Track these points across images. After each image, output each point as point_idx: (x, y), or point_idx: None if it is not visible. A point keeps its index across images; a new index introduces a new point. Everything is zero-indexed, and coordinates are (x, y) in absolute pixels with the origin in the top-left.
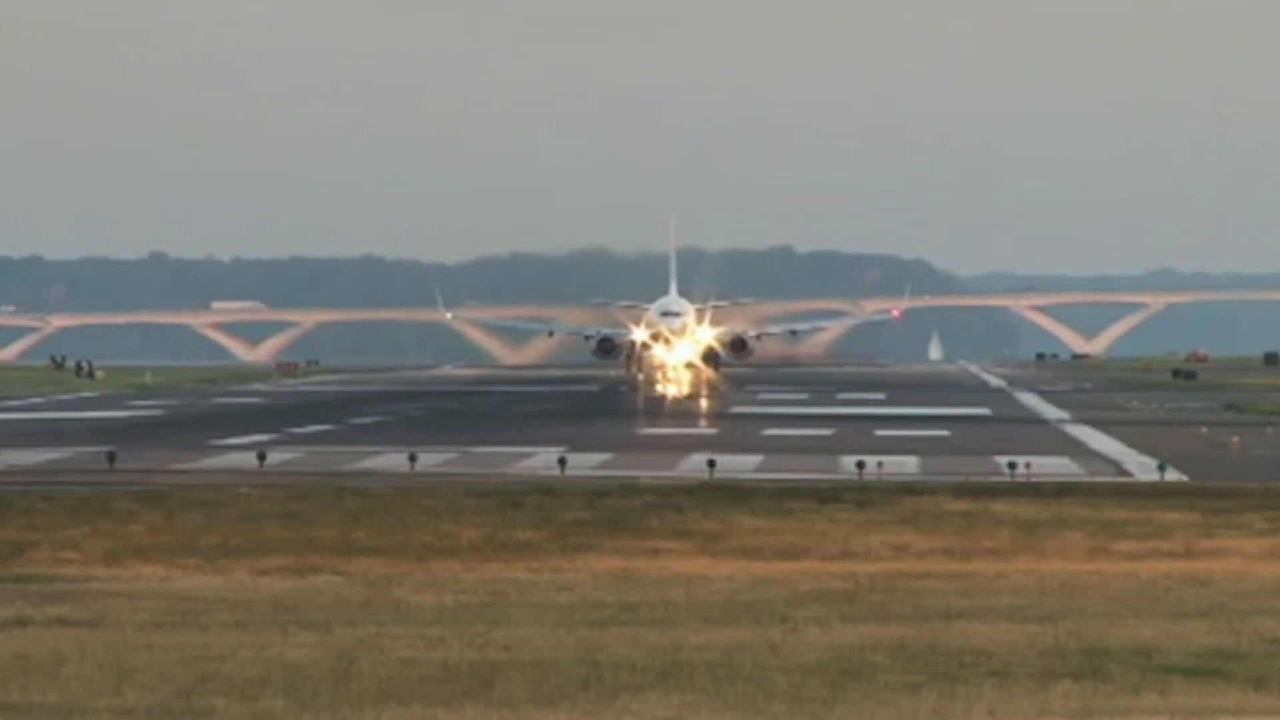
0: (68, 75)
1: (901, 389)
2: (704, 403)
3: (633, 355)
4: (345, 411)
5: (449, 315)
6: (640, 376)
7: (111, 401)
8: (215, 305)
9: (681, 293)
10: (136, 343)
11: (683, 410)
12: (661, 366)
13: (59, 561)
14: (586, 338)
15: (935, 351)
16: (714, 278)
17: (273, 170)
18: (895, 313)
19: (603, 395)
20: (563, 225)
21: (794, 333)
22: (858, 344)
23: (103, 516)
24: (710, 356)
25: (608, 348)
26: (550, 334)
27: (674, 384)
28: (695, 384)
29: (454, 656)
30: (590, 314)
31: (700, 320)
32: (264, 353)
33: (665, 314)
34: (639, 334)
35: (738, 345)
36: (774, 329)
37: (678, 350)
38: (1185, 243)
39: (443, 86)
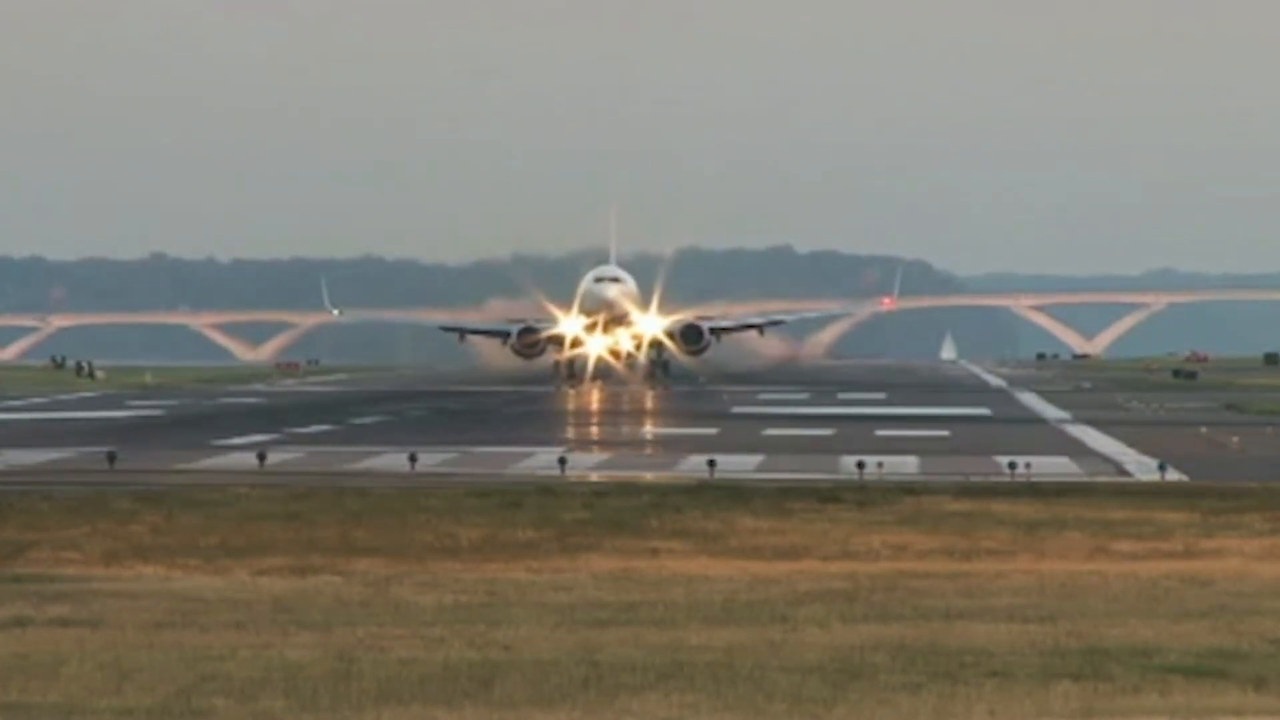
0: (68, 75)
1: (902, 389)
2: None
3: (563, 347)
4: (345, 411)
5: (336, 313)
6: (572, 379)
7: (112, 401)
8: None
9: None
10: (136, 343)
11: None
12: (600, 361)
13: (59, 561)
14: (505, 337)
15: (948, 351)
16: (665, 277)
17: (273, 170)
18: (887, 301)
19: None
20: (563, 225)
21: (761, 330)
22: (859, 344)
23: (103, 516)
24: (657, 361)
25: (530, 341)
26: (462, 338)
27: (601, 389)
28: (635, 391)
29: (454, 656)
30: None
31: (645, 308)
32: (264, 353)
33: (600, 279)
34: (570, 324)
35: (691, 335)
36: (752, 320)
37: (618, 339)
38: (1185, 243)
39: (443, 87)
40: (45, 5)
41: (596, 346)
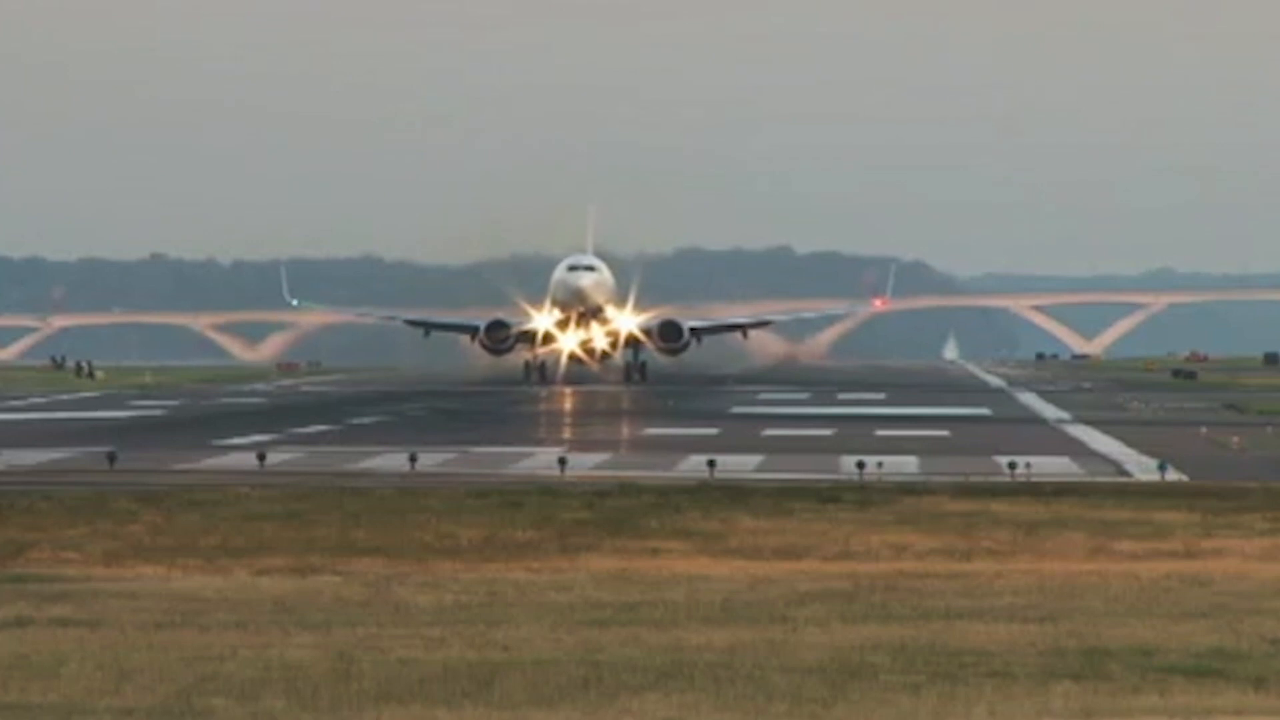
0: (68, 76)
1: (902, 389)
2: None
3: (534, 344)
4: (345, 411)
5: (295, 302)
6: (543, 380)
7: (112, 401)
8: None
9: (648, 294)
10: (137, 343)
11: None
12: (572, 358)
13: (59, 561)
14: (473, 332)
15: (951, 351)
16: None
17: (273, 171)
18: (879, 302)
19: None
20: (562, 226)
21: (744, 331)
22: (860, 344)
23: (103, 516)
24: (634, 362)
25: (501, 337)
26: (427, 333)
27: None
28: (626, 391)
29: (454, 656)
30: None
31: (622, 304)
32: (264, 353)
33: (573, 268)
34: (542, 320)
35: (669, 332)
36: (735, 320)
37: (592, 335)
38: (1185, 243)
39: (442, 88)
40: (44, 5)
41: (569, 343)
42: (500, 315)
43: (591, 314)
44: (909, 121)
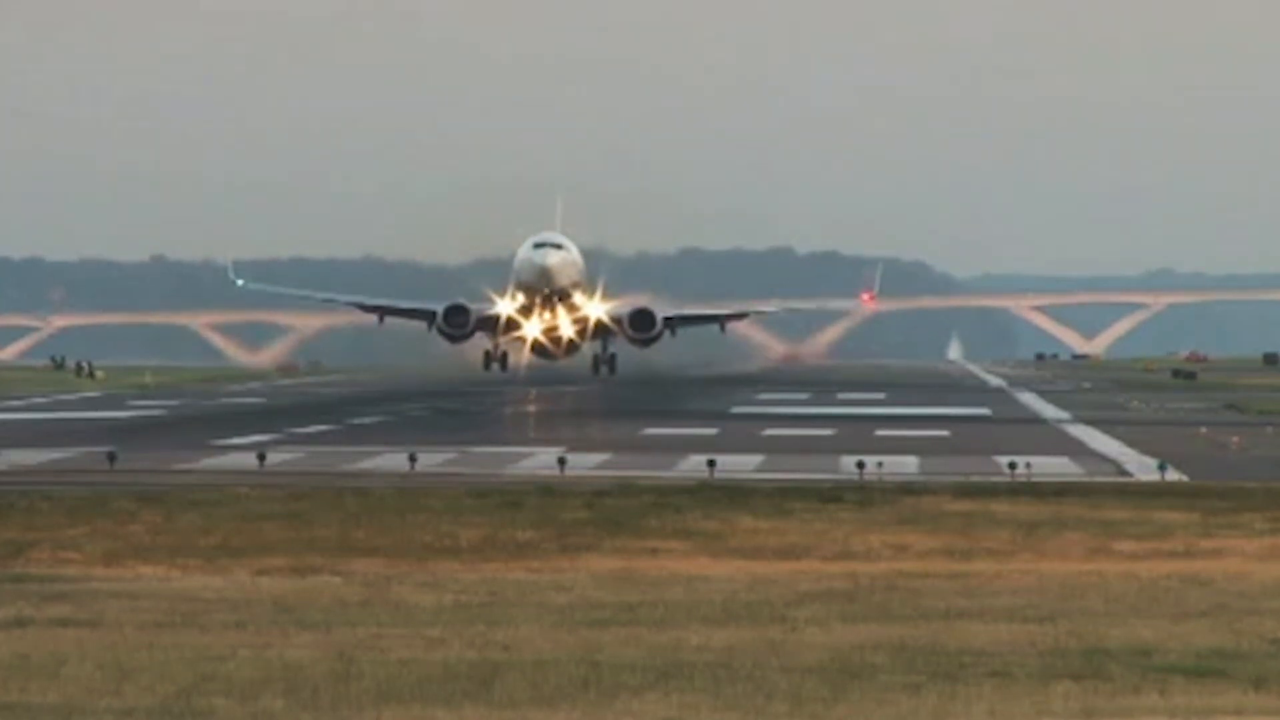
0: (68, 76)
1: (902, 389)
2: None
3: (496, 331)
4: (345, 411)
5: (240, 282)
6: (504, 371)
7: (112, 401)
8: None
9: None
10: (137, 344)
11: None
12: (536, 346)
13: (59, 561)
14: (430, 318)
15: (954, 351)
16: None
17: (273, 172)
18: (866, 298)
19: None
20: (561, 226)
21: (722, 325)
22: (861, 344)
23: (103, 516)
24: (602, 356)
25: (460, 322)
26: (381, 319)
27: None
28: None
29: (454, 656)
30: None
31: (591, 292)
32: (266, 356)
33: (540, 245)
34: (504, 305)
35: (641, 321)
36: (713, 312)
37: (558, 321)
38: (1184, 243)
39: (442, 87)
40: (44, 5)
41: (532, 330)
42: (460, 300)
43: (558, 298)
44: (909, 122)
